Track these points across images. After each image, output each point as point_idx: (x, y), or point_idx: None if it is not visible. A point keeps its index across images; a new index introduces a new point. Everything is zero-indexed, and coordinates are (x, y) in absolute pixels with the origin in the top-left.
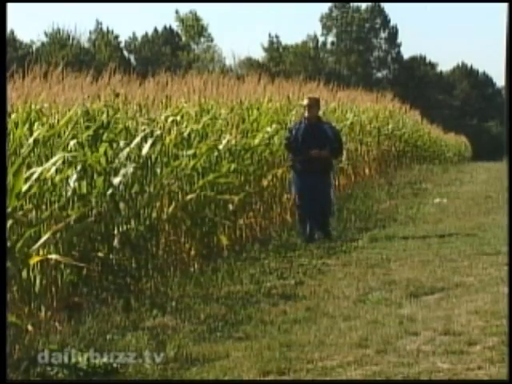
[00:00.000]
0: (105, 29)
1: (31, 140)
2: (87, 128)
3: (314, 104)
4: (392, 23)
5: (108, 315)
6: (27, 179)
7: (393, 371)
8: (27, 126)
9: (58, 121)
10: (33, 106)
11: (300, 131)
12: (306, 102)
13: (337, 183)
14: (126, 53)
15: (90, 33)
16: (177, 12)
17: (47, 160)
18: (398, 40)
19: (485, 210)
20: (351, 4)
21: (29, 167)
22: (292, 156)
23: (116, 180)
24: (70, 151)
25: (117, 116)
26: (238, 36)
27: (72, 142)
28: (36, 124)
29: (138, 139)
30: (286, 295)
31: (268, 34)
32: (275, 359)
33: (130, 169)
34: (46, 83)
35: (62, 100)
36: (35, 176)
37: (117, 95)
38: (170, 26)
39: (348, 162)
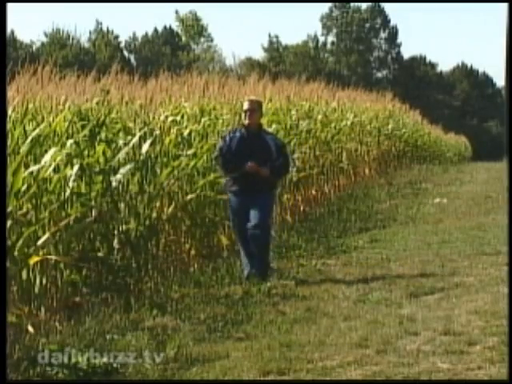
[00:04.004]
0: (105, 29)
1: (29, 140)
2: (83, 127)
3: (257, 108)
4: (392, 23)
5: (108, 315)
6: (25, 178)
7: (393, 371)
8: (23, 125)
9: (53, 119)
10: (30, 105)
11: (235, 141)
12: (246, 105)
13: (336, 183)
14: (126, 53)
15: (90, 33)
16: (177, 12)
17: None
18: (398, 40)
19: (485, 210)
20: (351, 4)
21: (27, 167)
22: (224, 171)
23: (115, 179)
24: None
25: (116, 115)
26: (237, 36)
27: (69, 142)
28: (31, 123)
29: (135, 138)
30: (286, 295)
31: (268, 34)
32: (275, 359)
33: (128, 167)
34: (40, 83)
35: (55, 99)
36: (33, 174)
37: (107, 92)
38: (170, 26)
39: (348, 162)
